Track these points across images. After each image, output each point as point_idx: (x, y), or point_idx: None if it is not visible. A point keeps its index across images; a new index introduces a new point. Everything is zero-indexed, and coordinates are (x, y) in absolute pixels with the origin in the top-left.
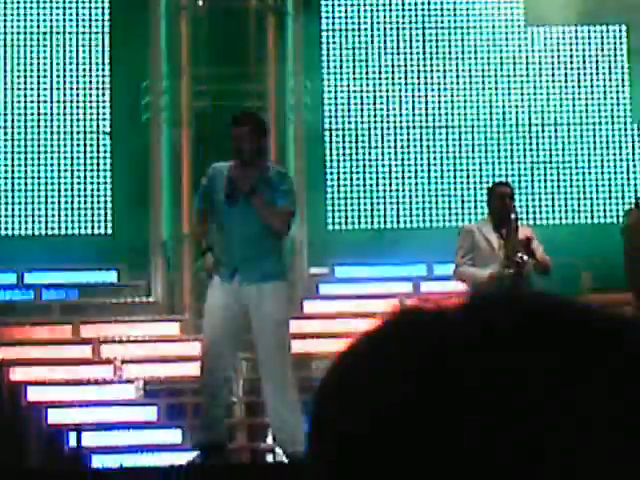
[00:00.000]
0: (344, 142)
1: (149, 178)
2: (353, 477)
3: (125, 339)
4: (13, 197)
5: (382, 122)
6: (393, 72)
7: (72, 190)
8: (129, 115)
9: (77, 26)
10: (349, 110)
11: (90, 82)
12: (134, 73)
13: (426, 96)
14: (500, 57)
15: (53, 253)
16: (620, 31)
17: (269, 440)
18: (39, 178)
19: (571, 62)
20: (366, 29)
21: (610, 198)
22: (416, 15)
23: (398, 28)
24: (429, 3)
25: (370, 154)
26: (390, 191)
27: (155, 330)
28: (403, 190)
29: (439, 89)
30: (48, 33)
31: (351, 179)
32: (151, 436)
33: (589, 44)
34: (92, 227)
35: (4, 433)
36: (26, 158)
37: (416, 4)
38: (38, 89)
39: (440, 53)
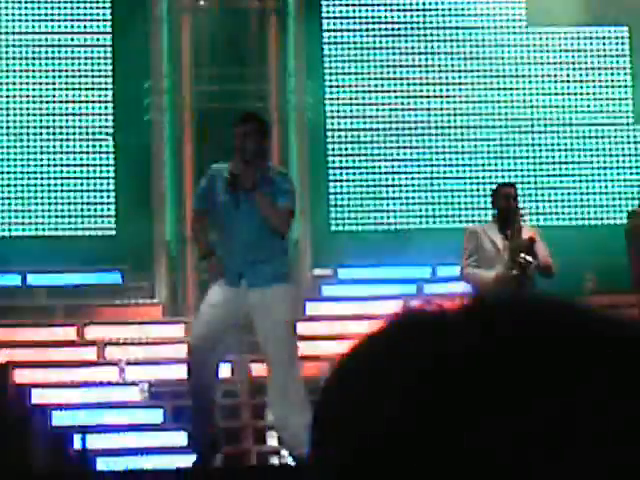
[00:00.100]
0: (346, 142)
1: (152, 179)
2: (356, 478)
3: (129, 341)
4: (16, 198)
5: (384, 122)
6: (395, 72)
7: (75, 191)
8: (131, 115)
9: (79, 26)
10: (351, 110)
11: (92, 82)
12: (136, 73)
13: (428, 96)
14: (502, 57)
15: (56, 254)
16: (622, 32)
17: (274, 442)
18: (42, 179)
19: (573, 63)
20: (367, 29)
21: (613, 199)
22: (418, 15)
23: (400, 28)
24: (430, 3)
25: (373, 155)
26: (393, 192)
27: (159, 332)
28: (406, 191)
29: (441, 89)
30: (50, 33)
31: (354, 180)
32: (156, 438)
33: (591, 45)
34: (95, 228)
35: (9, 435)
36: (28, 159)
37: (417, 4)
38: (40, 90)
39: (442, 53)
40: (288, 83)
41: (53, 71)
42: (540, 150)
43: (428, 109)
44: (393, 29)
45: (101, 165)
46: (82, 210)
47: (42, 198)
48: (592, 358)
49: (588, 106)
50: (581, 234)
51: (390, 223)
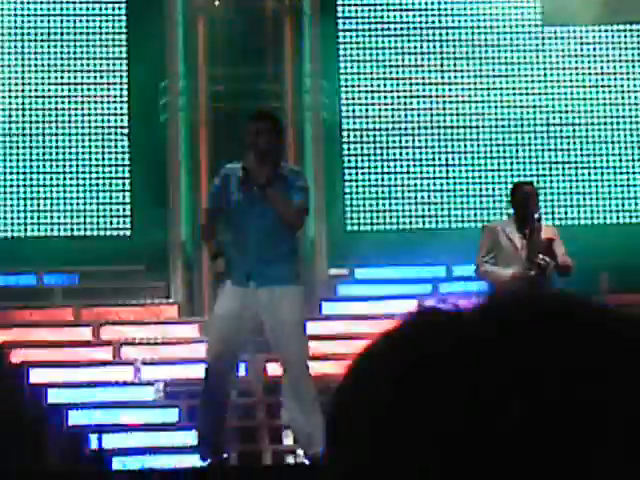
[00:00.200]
0: (362, 142)
1: (167, 179)
2: (371, 477)
3: (145, 341)
4: (32, 198)
5: (400, 122)
6: (410, 72)
7: (90, 191)
8: (147, 116)
9: (95, 26)
10: (367, 110)
11: (108, 83)
12: (152, 73)
13: (444, 96)
14: (517, 57)
15: (72, 255)
16: (638, 30)
17: (290, 441)
18: (57, 179)
19: (589, 62)
20: (383, 29)
21: (630, 198)
22: (433, 16)
23: (415, 28)
24: (445, 3)
25: (388, 154)
26: (409, 192)
27: (175, 332)
28: (422, 191)
29: (457, 89)
30: (66, 32)
31: (369, 179)
32: (172, 438)
33: (607, 43)
34: (111, 228)
35: (25, 435)
36: (44, 159)
37: (432, 4)
38: (56, 89)
39: (457, 54)
40: (303, 83)
41: (68, 71)
42: (556, 149)
43: (444, 110)
44: (408, 29)
45: (117, 165)
46: (98, 210)
47: (58, 199)
48: (608, 358)
49: (604, 105)
50: (597, 233)
51: (405, 223)
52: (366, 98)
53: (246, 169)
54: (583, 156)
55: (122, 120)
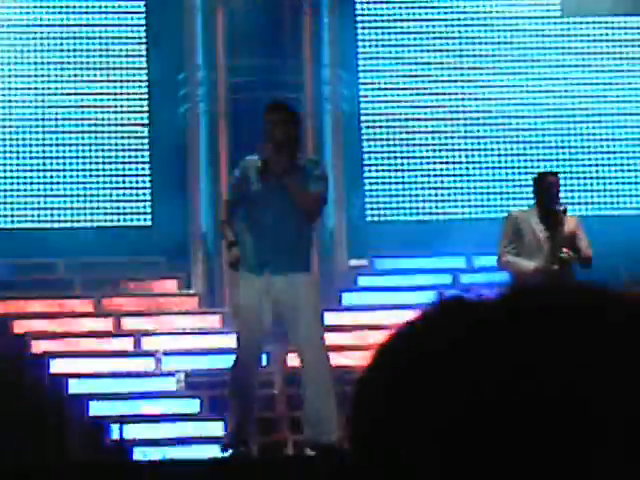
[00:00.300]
0: (382, 133)
1: (187, 170)
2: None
3: (166, 331)
4: (52, 190)
5: (420, 112)
6: (430, 61)
7: (111, 182)
8: (166, 107)
9: (113, 18)
10: (386, 100)
11: (127, 74)
12: (171, 65)
13: (463, 86)
14: (537, 48)
15: (91, 245)
16: None
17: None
18: (77, 170)
19: (608, 52)
20: (402, 18)
21: None
22: (452, 11)
23: (434, 25)
24: None
25: (408, 144)
26: (429, 182)
27: (196, 322)
28: (442, 182)
29: (477, 79)
30: (84, 25)
31: (389, 170)
32: (193, 428)
33: (626, 34)
34: (131, 219)
35: (46, 425)
36: (64, 150)
37: None
38: (75, 82)
39: (477, 44)
40: (323, 74)
41: (87, 63)
42: (576, 140)
43: (463, 97)
44: (428, 14)
45: (137, 157)
46: (118, 201)
47: (77, 189)
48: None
49: (624, 95)
50: (618, 223)
51: (426, 213)
52: (386, 88)
53: (264, 160)
54: (603, 147)
55: (142, 111)
